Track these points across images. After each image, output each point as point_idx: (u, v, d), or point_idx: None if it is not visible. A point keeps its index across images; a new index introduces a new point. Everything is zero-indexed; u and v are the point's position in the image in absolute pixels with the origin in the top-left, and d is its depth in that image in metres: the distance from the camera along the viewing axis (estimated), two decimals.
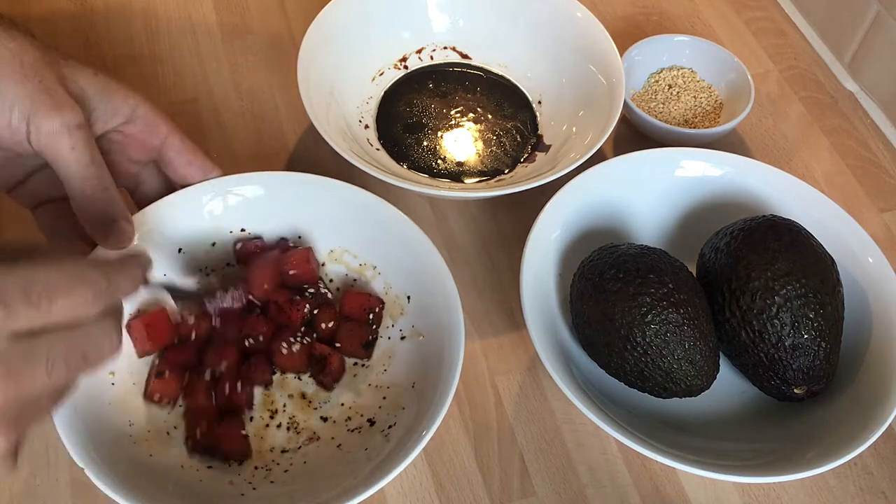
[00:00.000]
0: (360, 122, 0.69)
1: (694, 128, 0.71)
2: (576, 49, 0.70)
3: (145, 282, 0.44)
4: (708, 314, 0.54)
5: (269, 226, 0.58)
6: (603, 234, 0.61)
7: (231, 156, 0.69)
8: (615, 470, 0.55)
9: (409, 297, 0.56)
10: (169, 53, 0.75)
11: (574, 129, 0.68)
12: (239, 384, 0.53)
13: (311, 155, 0.69)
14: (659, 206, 0.63)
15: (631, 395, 0.55)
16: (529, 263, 0.55)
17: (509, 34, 0.73)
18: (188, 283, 0.56)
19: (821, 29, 0.80)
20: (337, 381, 0.55)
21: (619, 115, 0.63)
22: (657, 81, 0.73)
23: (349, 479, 0.49)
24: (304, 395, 0.55)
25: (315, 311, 0.56)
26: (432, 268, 0.54)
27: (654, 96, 0.73)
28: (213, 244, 0.58)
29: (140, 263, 0.43)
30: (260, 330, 0.55)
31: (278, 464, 0.52)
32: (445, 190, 0.65)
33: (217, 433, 0.52)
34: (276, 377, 0.56)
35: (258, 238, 0.58)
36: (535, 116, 0.71)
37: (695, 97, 0.72)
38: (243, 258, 0.58)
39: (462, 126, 0.70)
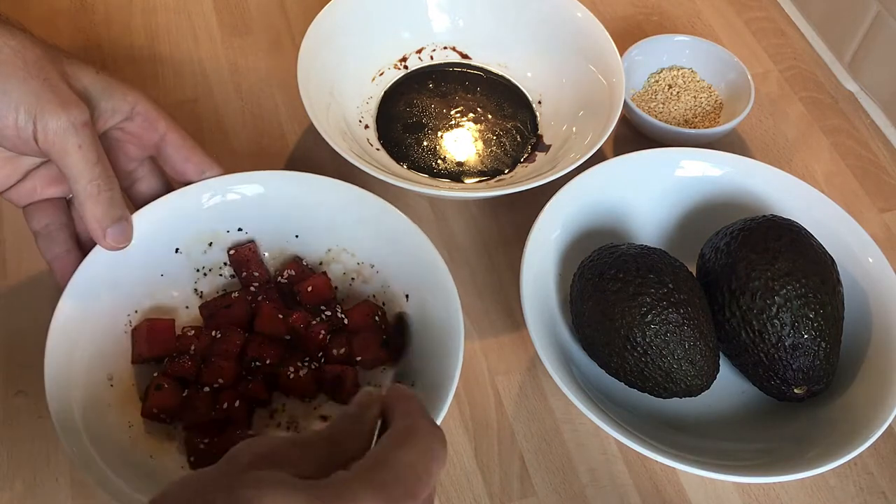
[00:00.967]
0: (360, 122, 0.69)
1: (694, 128, 0.71)
2: (576, 49, 0.70)
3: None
4: (708, 314, 0.54)
5: (266, 225, 0.58)
6: (603, 234, 0.61)
7: (231, 156, 0.69)
8: (615, 470, 0.55)
9: (407, 296, 0.56)
10: (169, 53, 0.75)
11: (574, 129, 0.68)
12: (237, 402, 0.52)
13: (311, 155, 0.69)
14: (659, 206, 0.63)
15: (631, 395, 0.55)
16: (529, 263, 0.55)
17: (509, 34, 0.73)
18: None
19: (821, 29, 0.80)
20: (354, 394, 0.55)
21: (619, 115, 0.63)
22: (657, 81, 0.73)
23: None
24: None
25: (329, 336, 0.55)
26: (431, 267, 0.54)
27: (654, 96, 0.73)
28: (210, 244, 0.57)
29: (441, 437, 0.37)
30: (267, 354, 0.53)
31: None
32: (445, 190, 0.65)
33: (222, 443, 0.51)
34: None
35: (251, 242, 0.58)
36: (535, 116, 0.71)
37: (695, 97, 0.72)
38: (236, 264, 0.57)
39: (462, 126, 0.70)
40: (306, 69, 0.63)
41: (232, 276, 0.58)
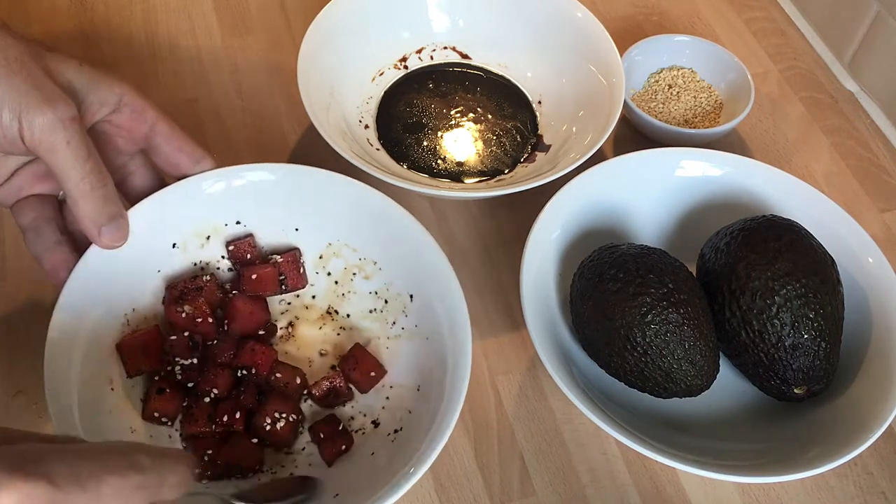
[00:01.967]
0: (360, 122, 0.69)
1: (694, 128, 0.71)
2: (576, 49, 0.70)
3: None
4: (708, 314, 0.54)
5: (265, 218, 0.58)
6: (603, 234, 0.61)
7: (231, 156, 0.68)
8: (615, 470, 0.55)
9: (411, 296, 0.56)
10: (169, 53, 0.75)
11: (574, 129, 0.68)
12: (238, 413, 0.52)
13: (311, 155, 0.69)
14: (659, 206, 0.63)
15: (631, 395, 0.55)
16: (529, 263, 0.55)
17: (509, 34, 0.73)
18: (243, 484, 0.50)
19: (821, 29, 0.80)
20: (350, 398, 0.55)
21: (619, 115, 0.63)
22: (657, 81, 0.73)
23: (362, 483, 0.49)
24: None
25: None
26: (436, 268, 0.54)
27: (654, 96, 0.73)
28: (208, 237, 0.57)
29: (189, 464, 0.39)
30: (255, 363, 0.53)
31: (283, 466, 0.52)
32: (445, 190, 0.65)
33: (229, 452, 0.51)
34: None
35: (249, 236, 0.57)
36: (535, 116, 0.71)
37: (695, 97, 0.72)
38: (236, 260, 0.57)
39: (462, 126, 0.70)
40: (306, 69, 0.63)
41: (230, 270, 0.58)
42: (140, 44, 0.75)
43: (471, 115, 0.71)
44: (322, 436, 0.52)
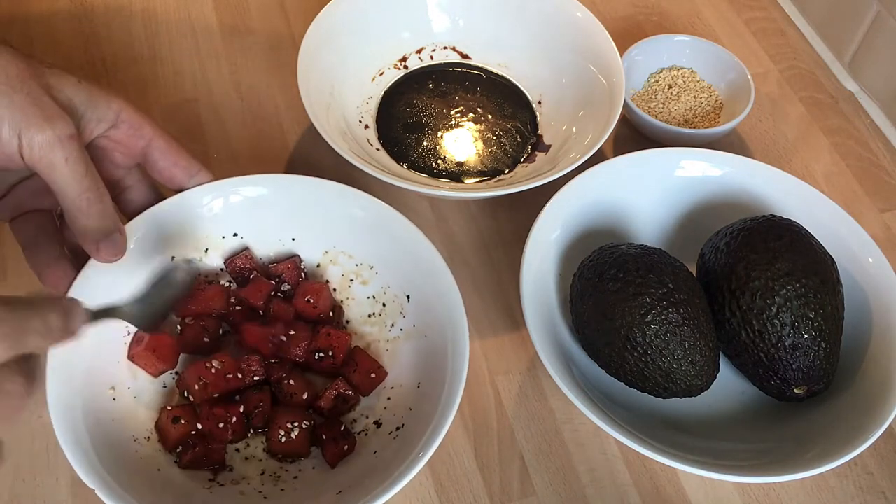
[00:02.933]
0: (360, 122, 0.69)
1: (694, 128, 0.71)
2: (576, 49, 0.70)
3: (71, 332, 0.41)
4: (708, 314, 0.54)
5: (261, 229, 0.58)
6: (603, 234, 0.61)
7: (231, 156, 0.69)
8: (615, 470, 0.55)
9: (408, 297, 0.56)
10: (169, 53, 0.75)
11: (574, 129, 0.68)
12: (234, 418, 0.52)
13: (311, 155, 0.69)
14: (659, 206, 0.63)
15: (631, 395, 0.55)
16: (529, 263, 0.55)
17: (509, 34, 0.73)
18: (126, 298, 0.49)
19: (821, 29, 0.80)
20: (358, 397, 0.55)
21: (619, 115, 0.63)
22: (657, 81, 0.73)
23: (367, 482, 0.49)
24: None
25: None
26: (432, 267, 0.54)
27: (654, 96, 0.73)
28: (206, 250, 0.57)
29: (66, 312, 0.41)
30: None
31: (287, 470, 0.52)
32: (445, 190, 0.65)
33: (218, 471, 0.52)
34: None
35: (245, 249, 0.57)
36: (535, 116, 0.71)
37: (695, 97, 0.72)
38: (236, 275, 0.57)
39: (462, 126, 0.70)
40: (306, 69, 0.63)
41: (230, 283, 0.58)
42: (140, 44, 0.75)
43: (471, 115, 0.71)
44: (324, 437, 0.52)
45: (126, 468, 0.48)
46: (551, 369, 0.50)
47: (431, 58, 0.74)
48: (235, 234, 0.58)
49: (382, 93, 0.71)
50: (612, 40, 0.68)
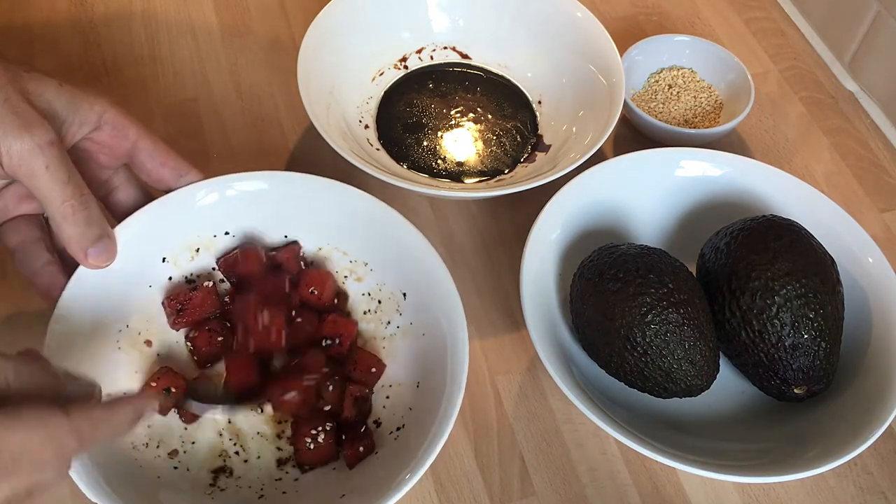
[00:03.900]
0: (360, 122, 0.69)
1: (694, 128, 0.71)
2: (576, 49, 0.70)
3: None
4: (708, 314, 0.54)
5: (253, 227, 0.57)
6: (603, 234, 0.61)
7: (231, 156, 0.69)
8: (615, 470, 0.55)
9: (404, 294, 0.56)
10: (169, 54, 0.75)
11: (574, 129, 0.68)
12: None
13: (311, 155, 0.69)
14: (659, 206, 0.63)
15: (631, 395, 0.55)
16: (529, 263, 0.55)
17: (509, 34, 0.73)
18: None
19: (821, 29, 0.80)
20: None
21: (619, 115, 0.63)
22: (657, 81, 0.73)
23: (366, 482, 0.49)
24: None
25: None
26: (428, 264, 0.54)
27: (654, 96, 0.73)
28: (198, 250, 0.57)
29: (135, 410, 0.42)
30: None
31: (287, 472, 0.52)
32: (445, 190, 0.65)
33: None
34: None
35: (237, 249, 0.57)
36: (535, 116, 0.71)
37: (695, 97, 0.72)
38: (228, 273, 0.57)
39: (462, 126, 0.70)
40: (306, 69, 0.63)
41: (222, 282, 0.57)
42: (140, 44, 0.75)
43: (471, 115, 0.71)
44: (344, 438, 0.52)
45: (126, 478, 0.48)
46: (551, 369, 0.50)
47: (431, 58, 0.74)
48: (227, 233, 0.57)
49: (382, 93, 0.71)
50: (612, 40, 0.68)
